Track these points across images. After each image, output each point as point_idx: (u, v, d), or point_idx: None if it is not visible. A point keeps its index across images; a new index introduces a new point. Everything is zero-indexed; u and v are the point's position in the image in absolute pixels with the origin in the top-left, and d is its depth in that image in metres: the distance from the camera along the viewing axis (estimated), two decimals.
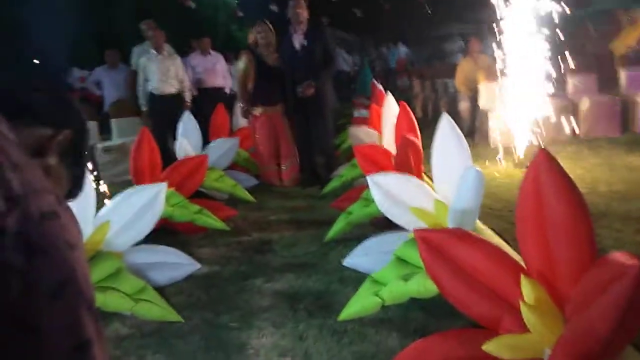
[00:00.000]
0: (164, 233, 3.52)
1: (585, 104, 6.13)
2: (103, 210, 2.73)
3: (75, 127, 0.89)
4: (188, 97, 5.85)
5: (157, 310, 2.43)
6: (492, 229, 2.58)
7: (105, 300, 2.33)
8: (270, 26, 4.91)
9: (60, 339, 0.61)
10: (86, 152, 0.94)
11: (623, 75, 6.53)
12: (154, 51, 5.63)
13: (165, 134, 5.54)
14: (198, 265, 2.93)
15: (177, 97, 5.73)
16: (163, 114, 5.52)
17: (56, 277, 0.63)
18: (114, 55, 6.75)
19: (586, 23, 7.66)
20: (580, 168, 4.67)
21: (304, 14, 4.70)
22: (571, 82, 6.59)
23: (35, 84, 0.87)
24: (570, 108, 6.16)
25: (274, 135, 4.97)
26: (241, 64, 5.00)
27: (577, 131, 6.17)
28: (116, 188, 3.79)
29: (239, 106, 5.24)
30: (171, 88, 5.67)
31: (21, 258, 0.61)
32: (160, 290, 2.66)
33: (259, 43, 4.89)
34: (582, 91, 6.48)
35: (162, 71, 5.59)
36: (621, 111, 6.09)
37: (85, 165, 0.94)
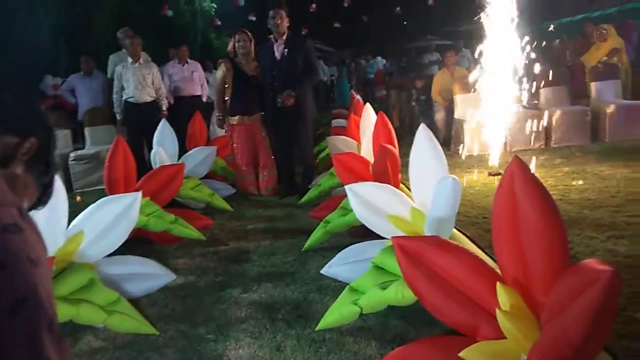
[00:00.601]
0: (138, 243, 3.46)
1: (557, 114, 6.28)
2: (76, 221, 2.67)
3: (42, 134, 0.86)
4: (164, 105, 5.80)
5: (131, 322, 2.38)
6: (468, 236, 2.61)
7: (78, 313, 2.27)
8: (250, 35, 4.90)
9: (19, 359, 0.59)
10: (54, 159, 0.91)
11: (593, 86, 6.72)
12: (130, 59, 5.57)
13: (140, 142, 5.46)
14: (173, 276, 2.88)
15: (153, 105, 5.67)
16: (139, 122, 5.46)
17: (16, 294, 0.61)
18: (90, 62, 6.63)
19: (562, 36, 7.88)
20: (552, 176, 4.77)
21: (283, 24, 4.69)
22: (543, 93, 6.75)
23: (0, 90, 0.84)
24: (542, 118, 6.30)
25: (252, 144, 4.95)
26: (219, 72, 4.96)
27: (549, 140, 6.32)
28: (90, 197, 3.71)
29: (216, 115, 5.21)
30: (147, 96, 5.61)
31: None
32: (135, 301, 2.61)
33: (238, 52, 4.87)
34: (553, 102, 6.64)
35: (138, 79, 5.53)
36: (591, 121, 6.27)
37: (54, 172, 0.92)
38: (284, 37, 4.70)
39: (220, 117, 5.00)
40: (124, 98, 5.63)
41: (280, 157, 4.97)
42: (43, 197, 0.90)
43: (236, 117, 4.90)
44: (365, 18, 18.56)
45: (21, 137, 0.82)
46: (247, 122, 4.90)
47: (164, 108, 5.77)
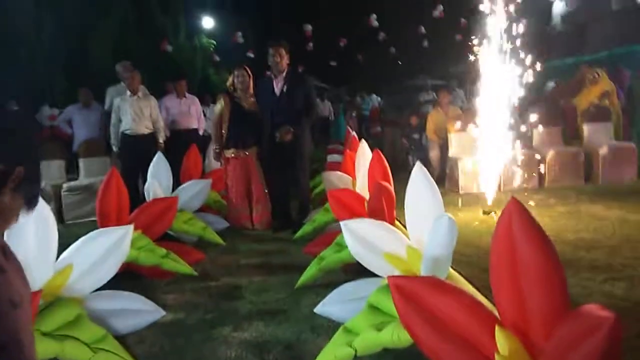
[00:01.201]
0: (127, 277, 3.37)
1: (550, 155, 6.34)
2: (66, 253, 2.61)
3: (29, 162, 0.90)
4: (161, 137, 5.82)
5: None
6: (465, 277, 2.58)
7: (62, 350, 2.19)
8: (249, 71, 4.97)
9: None
10: (39, 177, 0.95)
11: (585, 128, 6.82)
12: (129, 92, 5.62)
13: (135, 174, 5.44)
14: (162, 312, 2.80)
15: (150, 138, 5.68)
16: (135, 155, 5.46)
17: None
18: (88, 93, 6.67)
19: (558, 79, 8.02)
20: (547, 216, 4.77)
21: (283, 62, 4.75)
22: (537, 134, 6.83)
23: None
24: (536, 158, 6.36)
25: (246, 178, 4.96)
26: (218, 106, 5.02)
27: (543, 180, 6.35)
28: (81, 229, 3.65)
29: (212, 148, 5.22)
30: (144, 129, 5.63)
31: None
32: (122, 338, 2.53)
33: (237, 87, 4.91)
34: (547, 143, 6.72)
35: (136, 112, 5.57)
36: (584, 162, 6.33)
37: (39, 185, 0.95)
38: (284, 74, 4.75)
39: (217, 150, 5.01)
40: (121, 130, 5.64)
41: (276, 191, 4.96)
42: (29, 207, 0.92)
43: (232, 150, 4.93)
44: (361, 57, 18.95)
45: (9, 166, 0.85)
46: (243, 156, 4.92)
47: (161, 140, 5.79)
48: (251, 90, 4.95)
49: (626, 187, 5.88)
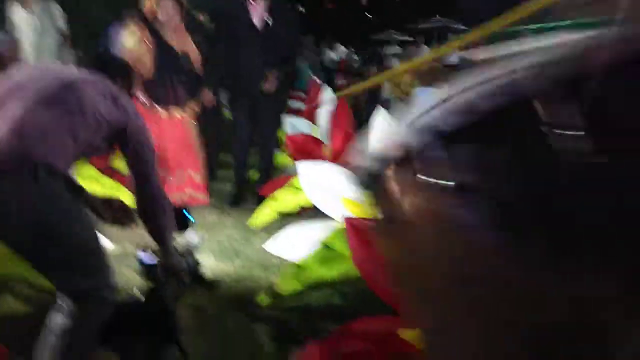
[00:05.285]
0: None
1: None
2: None
3: None
4: None
5: None
6: None
7: None
8: None
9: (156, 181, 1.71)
10: None
11: None
12: None
13: None
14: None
15: None
16: None
17: (152, 150, 1.69)
18: None
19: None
20: None
21: None
22: None
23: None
24: None
25: (181, 146, 3.38)
26: (130, 40, 3.15)
27: None
28: None
29: None
30: None
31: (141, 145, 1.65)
32: None
33: (160, 17, 3.22)
34: None
35: None
36: None
37: None
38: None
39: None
40: None
41: (240, 156, 3.92)
42: None
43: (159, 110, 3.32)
44: (330, 5, 18.49)
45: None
46: (175, 118, 3.34)
47: None
48: (180, 24, 3.32)
49: None
